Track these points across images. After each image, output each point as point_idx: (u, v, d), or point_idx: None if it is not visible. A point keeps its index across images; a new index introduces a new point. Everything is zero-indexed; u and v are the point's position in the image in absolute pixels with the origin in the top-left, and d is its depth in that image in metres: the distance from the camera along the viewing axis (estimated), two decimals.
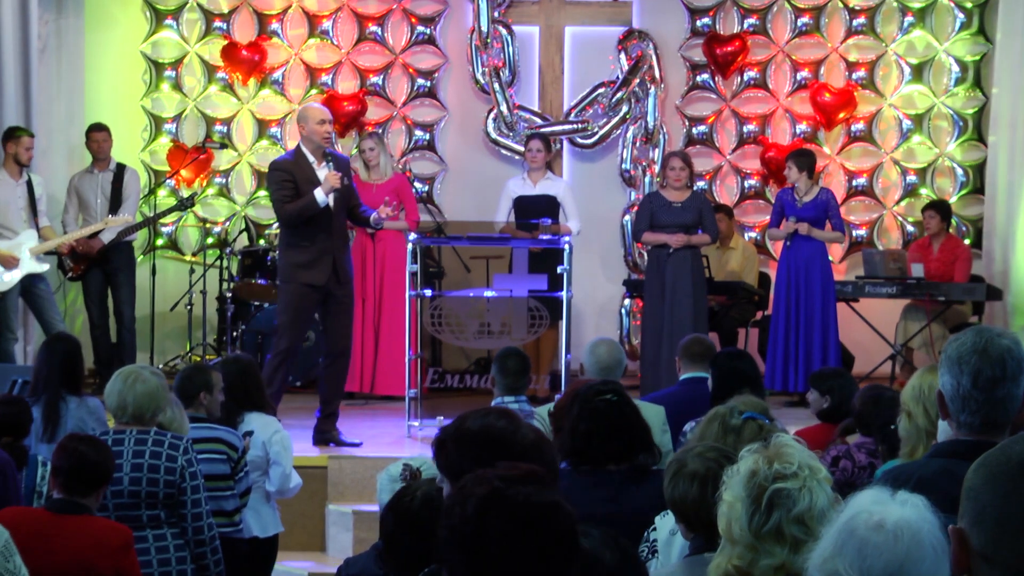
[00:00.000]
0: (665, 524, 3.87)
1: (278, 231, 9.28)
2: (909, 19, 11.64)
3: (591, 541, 2.54)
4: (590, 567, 2.48)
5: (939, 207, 10.84)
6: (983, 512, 1.79)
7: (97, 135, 10.46)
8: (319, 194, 8.11)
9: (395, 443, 8.52)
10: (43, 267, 9.88)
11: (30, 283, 9.77)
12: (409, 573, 3.38)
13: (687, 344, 6.87)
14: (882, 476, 3.54)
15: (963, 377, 3.16)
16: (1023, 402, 3.21)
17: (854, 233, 11.59)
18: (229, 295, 10.69)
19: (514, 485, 2.37)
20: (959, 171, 11.63)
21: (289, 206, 8.16)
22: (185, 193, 11.57)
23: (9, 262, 9.64)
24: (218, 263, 11.14)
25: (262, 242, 11.49)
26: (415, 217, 10.11)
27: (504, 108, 11.56)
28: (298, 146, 8.40)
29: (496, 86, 11.56)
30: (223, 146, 11.53)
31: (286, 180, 8.19)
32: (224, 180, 11.82)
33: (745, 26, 11.72)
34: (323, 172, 8.20)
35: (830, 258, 10.39)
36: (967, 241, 11.30)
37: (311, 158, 8.25)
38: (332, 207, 8.20)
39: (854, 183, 11.73)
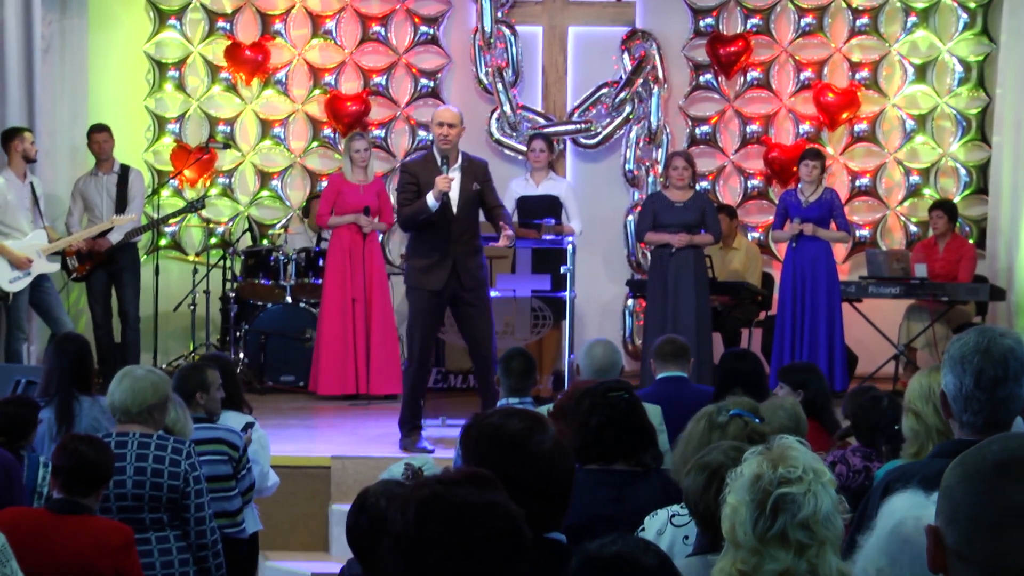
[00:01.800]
0: (653, 524, 3.88)
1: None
2: (912, 19, 11.63)
3: (630, 546, 2.56)
4: (635, 571, 2.50)
5: (946, 207, 10.83)
6: (957, 511, 1.78)
7: (98, 136, 10.43)
8: (429, 198, 7.98)
9: (398, 443, 8.51)
10: (54, 267, 9.88)
11: (37, 282, 9.75)
12: None
13: (659, 345, 6.99)
14: (885, 476, 3.54)
15: (966, 377, 3.16)
16: None
17: (857, 233, 11.58)
18: (232, 295, 10.70)
19: (452, 487, 2.36)
20: (962, 171, 11.62)
21: (403, 210, 8.11)
22: (189, 193, 11.58)
23: (24, 263, 9.63)
24: (221, 263, 11.14)
25: (265, 242, 11.50)
26: (391, 220, 10.10)
27: (507, 108, 11.56)
28: (430, 148, 8.38)
29: (499, 86, 11.55)
30: (226, 146, 11.53)
31: (409, 183, 8.10)
32: (227, 180, 11.82)
33: (748, 26, 11.71)
34: (454, 174, 8.10)
35: (834, 259, 10.38)
36: (971, 241, 11.29)
37: (439, 160, 8.14)
38: (455, 211, 8.07)
39: (857, 183, 11.72)
